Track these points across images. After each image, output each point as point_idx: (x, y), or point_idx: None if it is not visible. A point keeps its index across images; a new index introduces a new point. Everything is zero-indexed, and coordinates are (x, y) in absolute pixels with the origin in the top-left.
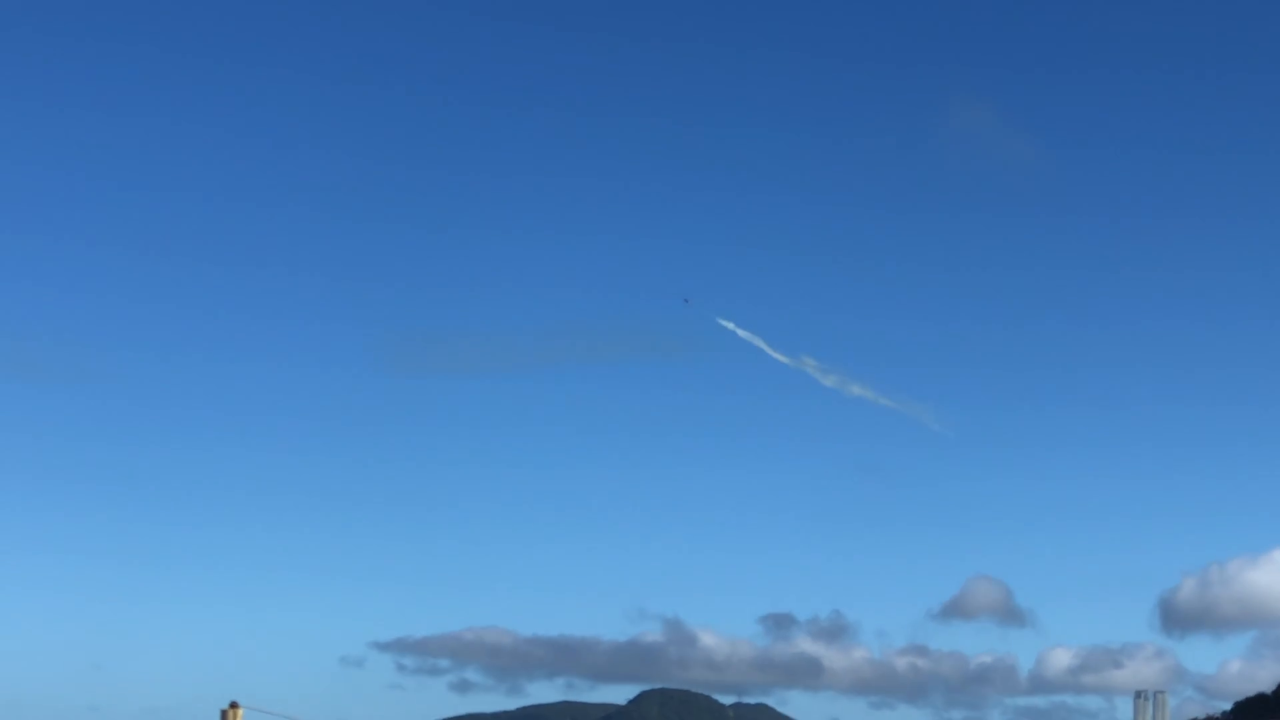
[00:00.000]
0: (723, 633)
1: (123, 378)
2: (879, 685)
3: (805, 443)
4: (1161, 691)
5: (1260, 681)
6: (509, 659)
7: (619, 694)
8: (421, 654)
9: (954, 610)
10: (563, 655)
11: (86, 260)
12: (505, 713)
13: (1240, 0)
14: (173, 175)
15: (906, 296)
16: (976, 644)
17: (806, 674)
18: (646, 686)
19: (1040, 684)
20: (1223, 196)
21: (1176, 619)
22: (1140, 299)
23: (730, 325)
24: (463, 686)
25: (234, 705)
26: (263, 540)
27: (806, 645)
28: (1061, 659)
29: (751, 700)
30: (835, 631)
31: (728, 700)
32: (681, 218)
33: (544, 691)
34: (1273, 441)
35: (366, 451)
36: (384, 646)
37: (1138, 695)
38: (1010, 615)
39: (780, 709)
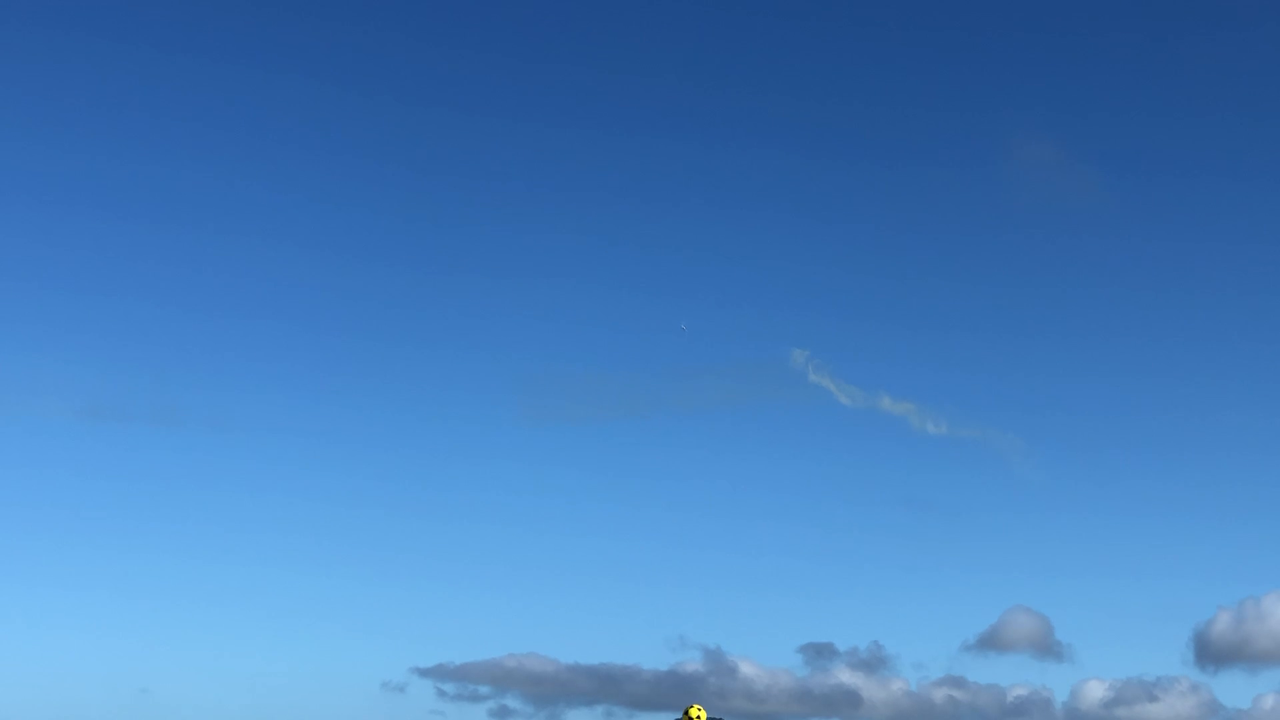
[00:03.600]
0: (763, 662)
1: (180, 410)
2: (915, 717)
3: (847, 472)
4: None
5: None
6: (549, 686)
7: None
8: (462, 680)
9: (992, 642)
10: (603, 683)
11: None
12: None
13: None
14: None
15: (959, 328)
16: (1013, 675)
17: (845, 704)
18: (681, 716)
19: (1075, 717)
20: None
21: (1210, 653)
22: (1192, 331)
23: (804, 360)
24: (502, 713)
25: None
26: (308, 566)
27: (845, 676)
28: (1095, 691)
29: None
30: (874, 663)
31: None
32: (735, 251)
33: (583, 719)
34: None
35: (413, 478)
36: (425, 672)
37: None
38: (1048, 647)
39: None
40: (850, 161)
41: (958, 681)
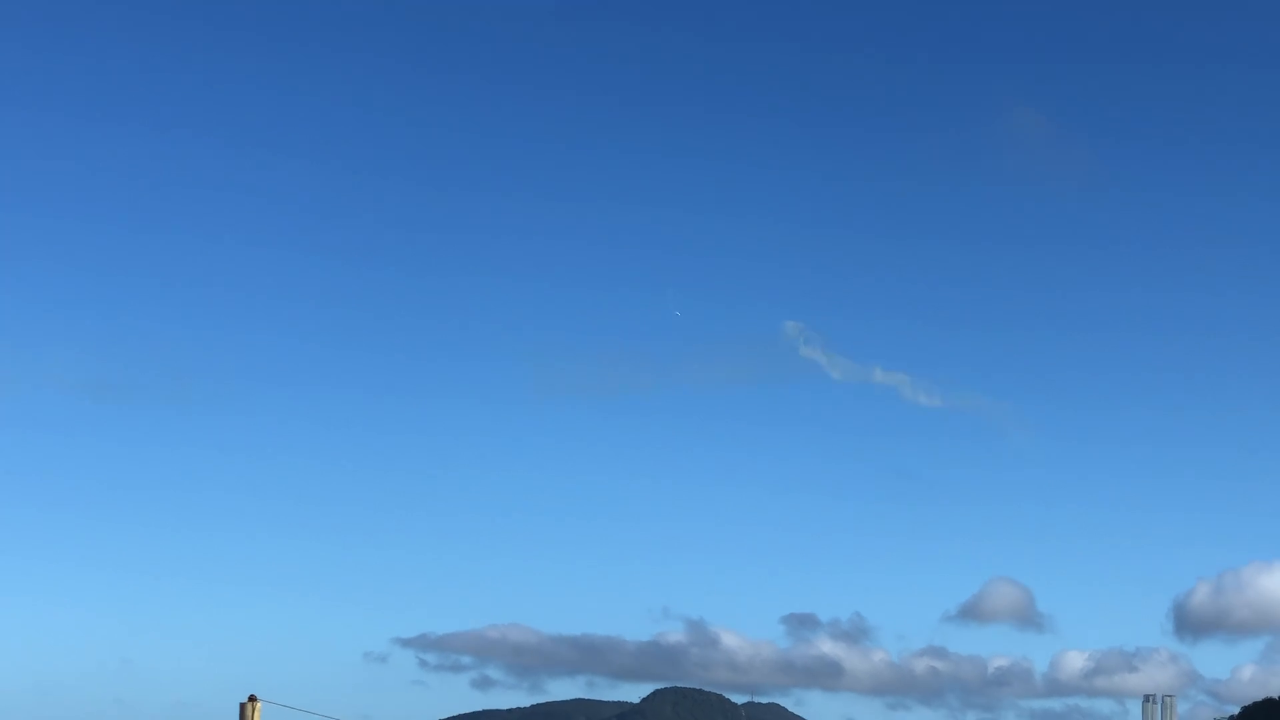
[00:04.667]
0: (745, 633)
1: (156, 386)
2: (897, 687)
3: (833, 445)
4: (1170, 695)
5: (1272, 687)
6: (531, 657)
7: (637, 693)
8: (444, 650)
9: (973, 612)
10: (585, 654)
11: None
12: (520, 709)
13: None
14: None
15: (942, 296)
16: (994, 646)
17: (827, 675)
18: (664, 685)
19: (1055, 687)
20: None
21: (1190, 624)
22: (1174, 303)
23: (798, 332)
24: (484, 683)
25: (252, 699)
26: (290, 538)
27: (827, 647)
28: (1075, 662)
29: (765, 700)
30: (856, 634)
31: (740, 699)
32: (730, 224)
33: (565, 689)
34: None
35: (393, 450)
36: (407, 643)
37: (1146, 699)
38: (1029, 618)
39: (797, 709)
40: (841, 133)
41: (939, 652)
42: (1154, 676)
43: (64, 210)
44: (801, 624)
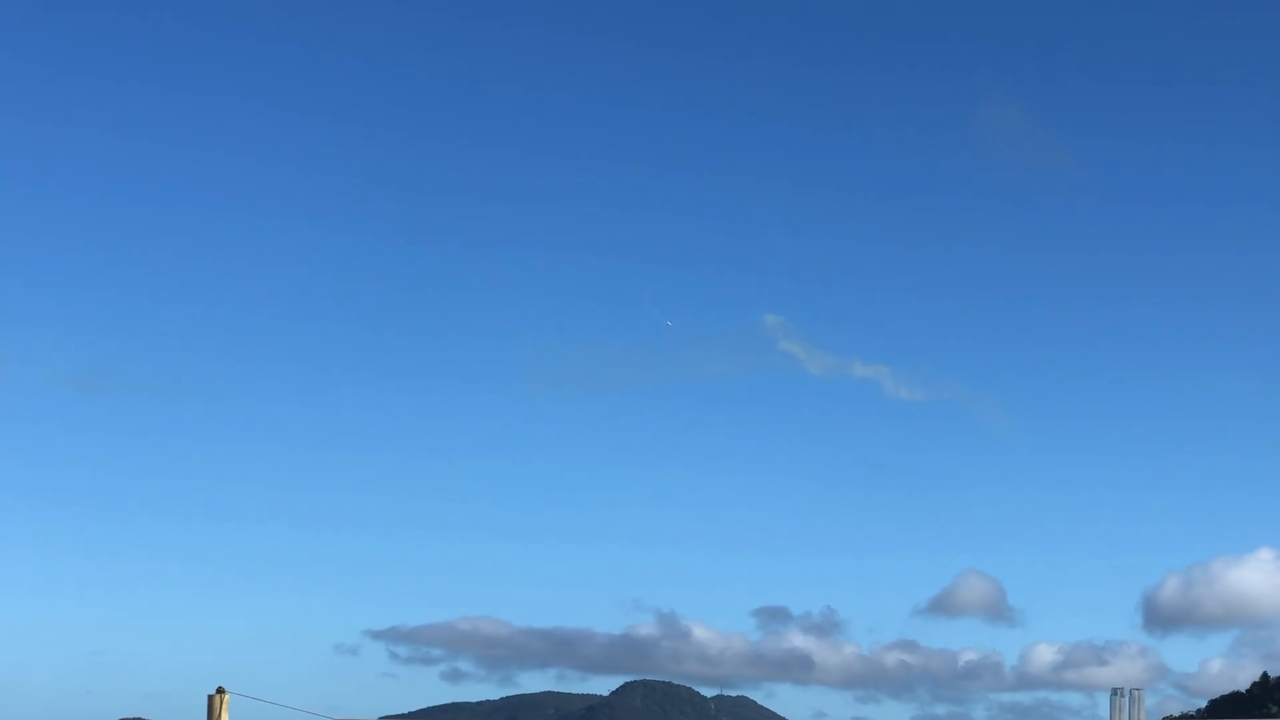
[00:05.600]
0: (716, 626)
1: (122, 374)
2: (867, 680)
3: (808, 438)
4: (1138, 689)
5: (1239, 681)
6: (502, 649)
7: (607, 685)
8: (415, 643)
9: (943, 606)
10: (556, 646)
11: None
12: (489, 702)
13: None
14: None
15: (921, 291)
16: (964, 639)
17: (797, 668)
18: (634, 678)
19: (1024, 680)
20: (1252, 198)
21: (1159, 617)
22: (1151, 300)
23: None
24: (454, 676)
25: (220, 691)
26: (261, 529)
27: (799, 640)
28: (1045, 655)
29: (734, 693)
30: (827, 627)
31: (710, 693)
32: (711, 218)
33: (535, 682)
34: (1258, 442)
35: (364, 443)
36: (378, 635)
37: (1114, 693)
38: (1000, 611)
39: (767, 702)
40: (819, 127)
41: (909, 645)
42: (1123, 670)
43: (47, 196)
44: (773, 617)
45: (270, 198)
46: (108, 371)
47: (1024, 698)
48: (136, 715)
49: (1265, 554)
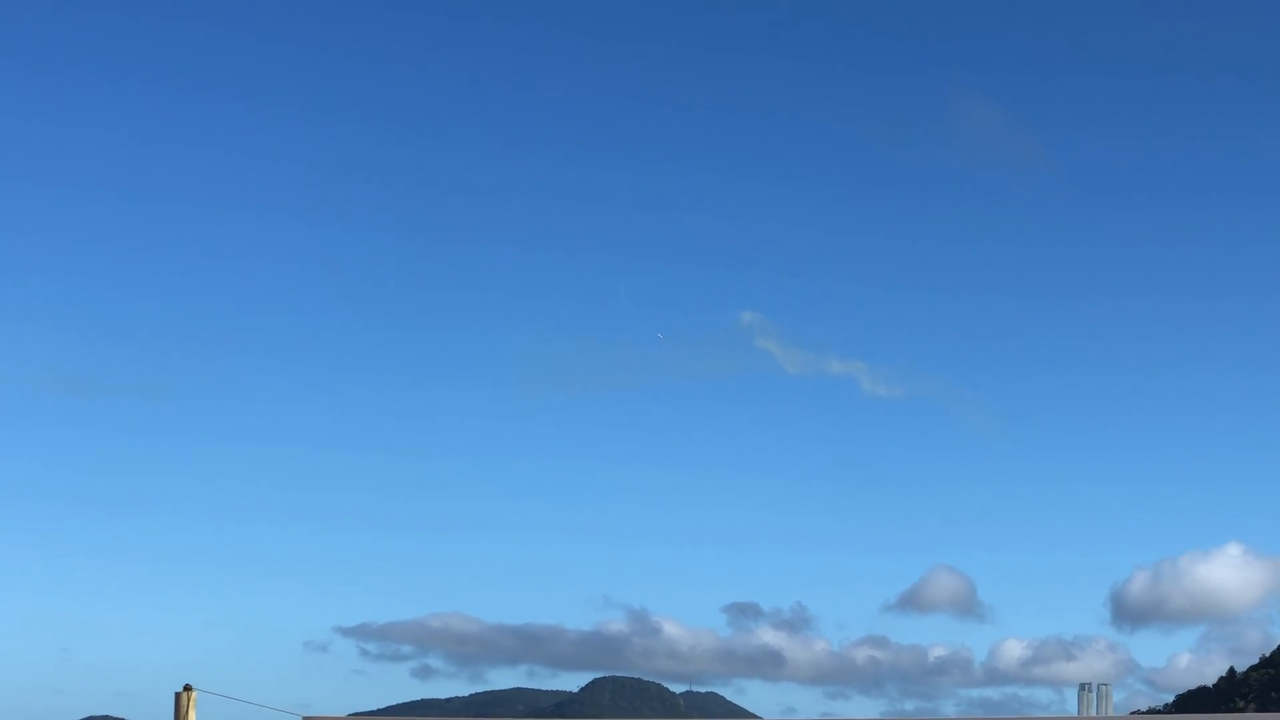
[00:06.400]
0: (687, 623)
1: (107, 369)
2: (837, 676)
3: (781, 435)
4: (1106, 684)
5: (1207, 676)
6: (473, 646)
7: (576, 682)
8: (385, 640)
9: (913, 602)
10: (526, 643)
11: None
12: (459, 698)
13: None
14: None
15: (900, 287)
16: (934, 635)
17: (768, 664)
18: (603, 675)
19: (994, 676)
20: (1224, 197)
21: (1127, 613)
22: (1117, 295)
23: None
24: (424, 673)
25: (188, 688)
26: (231, 526)
27: (769, 636)
28: (1014, 651)
29: (704, 689)
30: (797, 623)
31: (679, 689)
32: (686, 214)
33: (505, 679)
34: (1226, 438)
35: (333, 441)
36: (348, 632)
37: (1082, 688)
38: (969, 608)
39: (736, 699)
40: (793, 122)
41: (879, 641)
42: (1092, 665)
43: (30, 192)
44: (743, 613)
45: (258, 195)
46: (79, 367)
47: (993, 693)
48: (105, 713)
49: (1233, 549)
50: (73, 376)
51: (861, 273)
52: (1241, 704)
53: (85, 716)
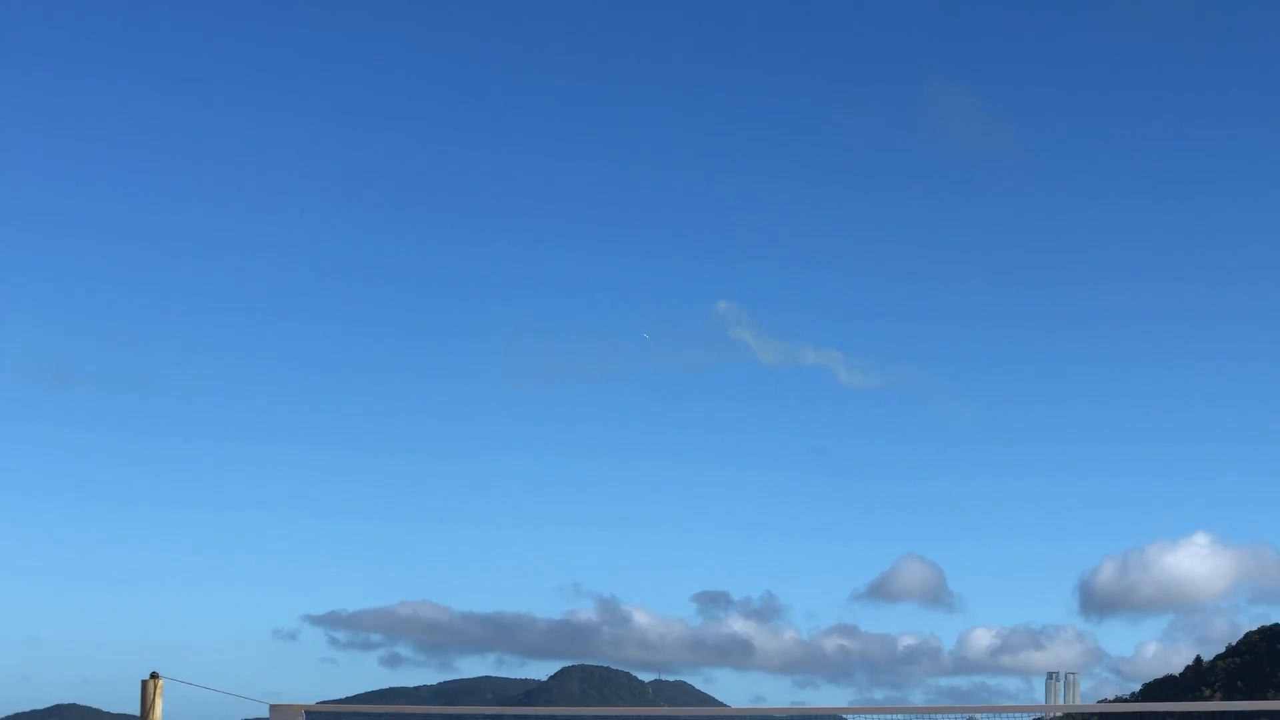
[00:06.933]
0: (657, 612)
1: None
2: (806, 665)
3: (754, 425)
4: (1073, 673)
5: (1174, 665)
6: (442, 634)
7: (545, 670)
8: (354, 628)
9: (883, 591)
10: (496, 632)
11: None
12: (427, 687)
13: None
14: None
15: (876, 275)
16: (903, 624)
17: (738, 653)
18: (572, 663)
19: (962, 665)
20: (1200, 186)
21: (1095, 602)
22: (1097, 285)
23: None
24: (394, 661)
25: (154, 676)
26: (199, 513)
27: (739, 625)
28: (983, 640)
29: (673, 678)
30: (767, 612)
31: (648, 678)
32: (660, 203)
33: (474, 667)
34: (1194, 429)
35: (303, 431)
36: (317, 620)
37: (1049, 676)
38: (938, 597)
39: (706, 687)
40: (767, 108)
41: (849, 630)
42: (1060, 654)
43: (9, 183)
44: (713, 602)
45: (242, 189)
46: (55, 359)
47: (961, 682)
48: (72, 701)
49: (1201, 538)
50: (48, 368)
51: (839, 261)
52: (1208, 692)
53: (52, 704)
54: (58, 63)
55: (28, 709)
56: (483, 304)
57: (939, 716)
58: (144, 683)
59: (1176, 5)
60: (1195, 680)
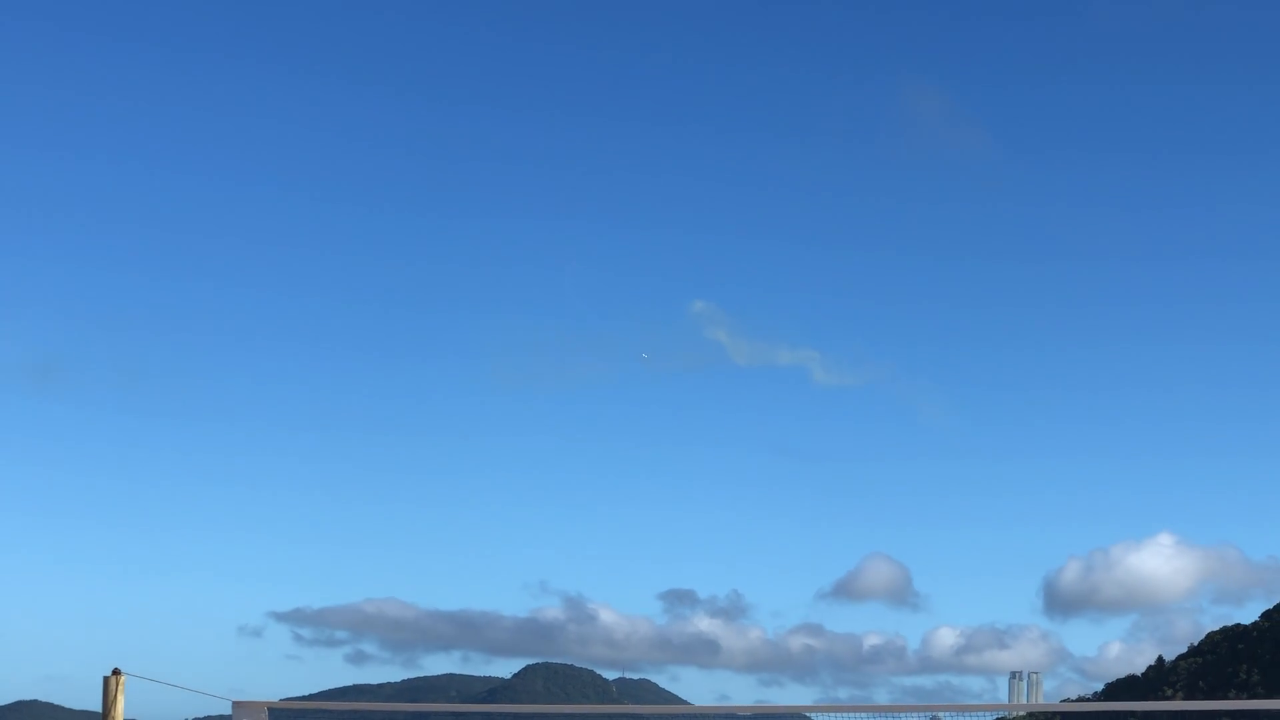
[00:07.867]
0: (622, 610)
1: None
2: (771, 664)
3: (724, 424)
4: (1036, 673)
5: (1136, 665)
6: (408, 632)
7: (511, 668)
8: (319, 625)
9: (849, 590)
10: (461, 629)
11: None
12: (391, 684)
13: None
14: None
15: (842, 279)
16: (869, 623)
17: (703, 652)
18: (537, 660)
19: (927, 664)
20: (1175, 192)
21: (1059, 602)
22: (1063, 291)
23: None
24: (359, 658)
25: (116, 672)
26: (165, 510)
27: (705, 624)
28: (947, 639)
29: (637, 676)
30: (733, 611)
31: (612, 675)
32: (637, 208)
33: (439, 664)
34: (1159, 429)
35: (268, 424)
36: (282, 617)
37: (1012, 676)
38: (904, 597)
39: (671, 686)
40: (746, 112)
41: (814, 629)
42: (1024, 654)
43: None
44: (679, 600)
45: (231, 176)
46: (29, 356)
47: (926, 681)
48: (34, 698)
49: (1165, 539)
50: (21, 364)
51: (814, 261)
52: (1170, 692)
53: (14, 700)
54: (48, 50)
55: None
56: (450, 307)
57: (903, 715)
58: (106, 679)
59: (1161, 10)
60: (1157, 680)
